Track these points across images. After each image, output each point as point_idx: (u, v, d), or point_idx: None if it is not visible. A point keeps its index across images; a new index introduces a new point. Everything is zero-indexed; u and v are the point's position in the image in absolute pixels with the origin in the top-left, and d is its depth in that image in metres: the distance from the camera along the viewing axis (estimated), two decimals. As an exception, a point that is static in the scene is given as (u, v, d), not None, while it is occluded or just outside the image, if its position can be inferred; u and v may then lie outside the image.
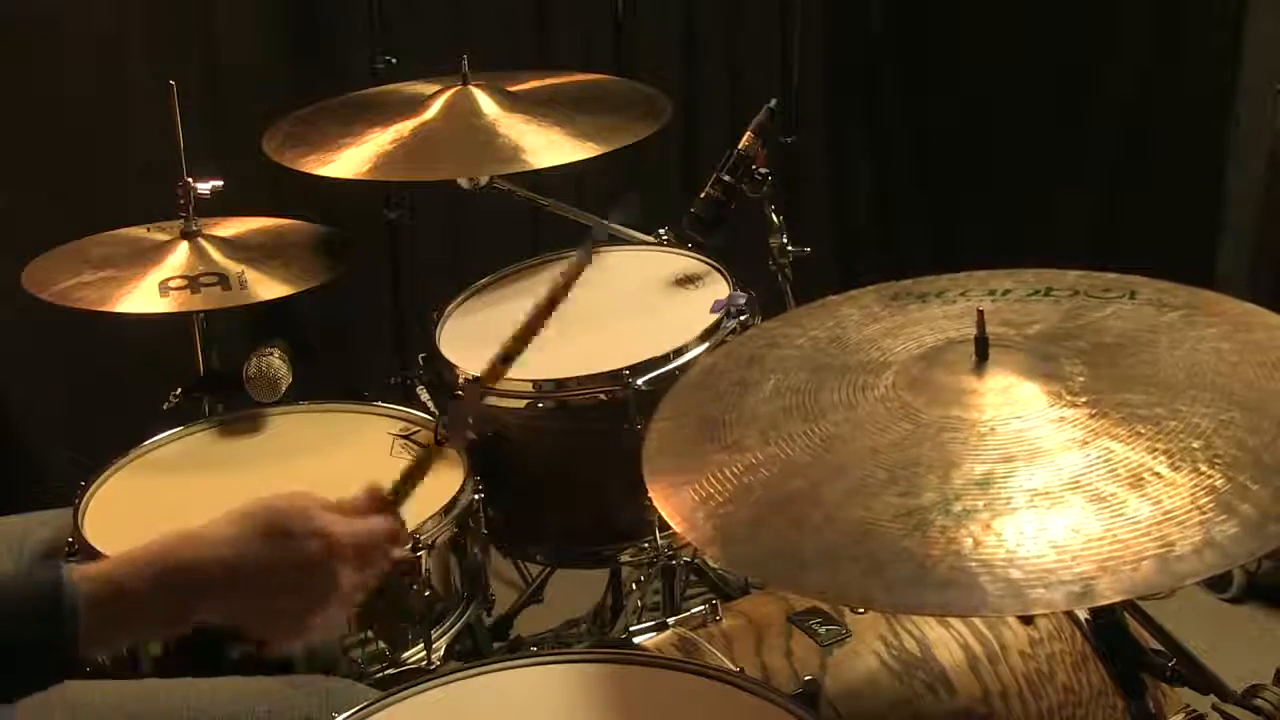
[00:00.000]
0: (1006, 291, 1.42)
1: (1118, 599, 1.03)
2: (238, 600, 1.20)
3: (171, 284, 2.08)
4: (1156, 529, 1.05)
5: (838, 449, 1.21)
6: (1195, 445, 1.12)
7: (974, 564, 1.06)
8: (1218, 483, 1.08)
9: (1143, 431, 1.15)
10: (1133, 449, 1.13)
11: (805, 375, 1.33)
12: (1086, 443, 1.14)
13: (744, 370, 1.38)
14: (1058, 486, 1.11)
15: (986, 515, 1.09)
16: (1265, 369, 1.23)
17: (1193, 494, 1.08)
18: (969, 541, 1.07)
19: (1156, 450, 1.12)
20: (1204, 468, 1.10)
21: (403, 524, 1.32)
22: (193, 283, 2.08)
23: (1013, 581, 1.04)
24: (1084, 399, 1.19)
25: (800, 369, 1.35)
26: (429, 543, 1.78)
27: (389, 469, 1.89)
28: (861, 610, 1.56)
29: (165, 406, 2.18)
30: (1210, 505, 1.07)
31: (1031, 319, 1.35)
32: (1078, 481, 1.11)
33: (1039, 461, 1.13)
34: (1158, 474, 1.10)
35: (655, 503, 1.24)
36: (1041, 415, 1.18)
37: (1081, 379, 1.22)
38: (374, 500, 1.31)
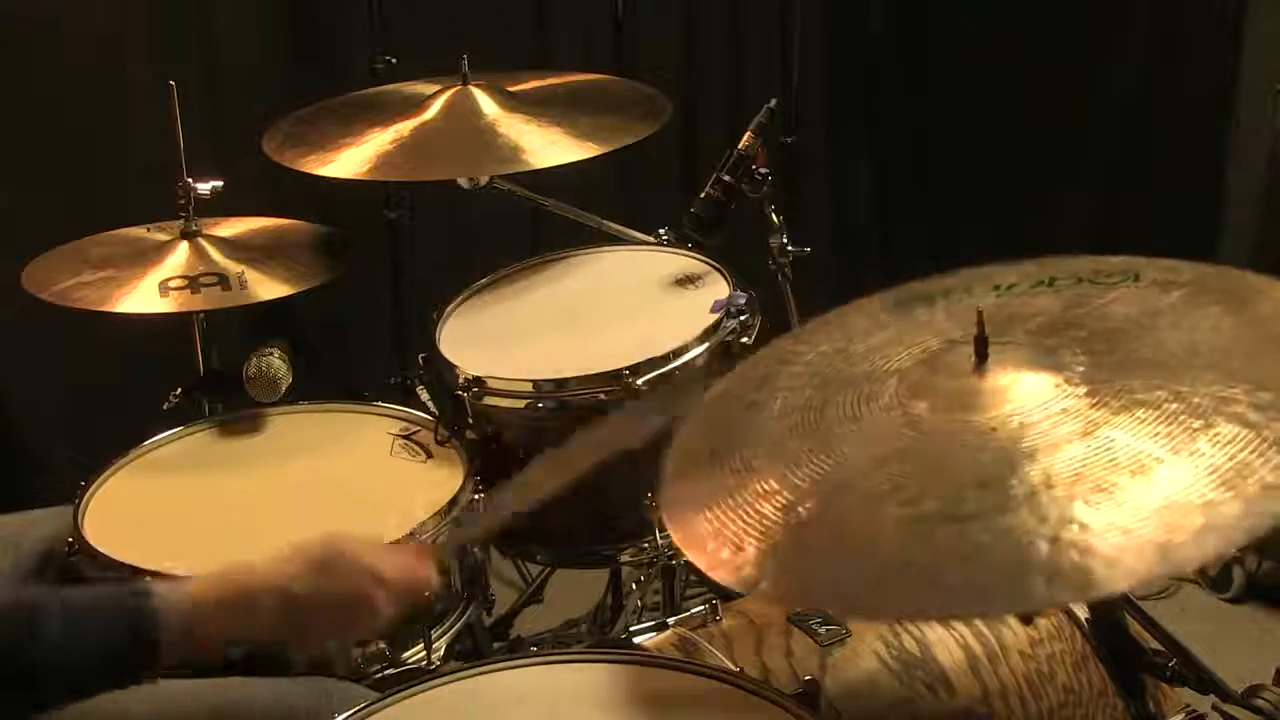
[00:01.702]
0: (1011, 286, 1.40)
1: (1124, 587, 1.03)
2: (289, 622, 1.34)
3: (171, 284, 2.08)
4: (1158, 515, 1.05)
5: (845, 464, 1.21)
6: (1196, 426, 1.12)
7: (984, 565, 1.05)
8: (1219, 461, 1.08)
9: (1144, 417, 1.14)
10: (1135, 436, 1.12)
11: (811, 392, 1.33)
12: (1088, 433, 1.14)
13: (754, 392, 1.38)
14: (1061, 480, 1.10)
15: (993, 515, 1.09)
16: (1268, 343, 1.22)
17: (1194, 475, 1.07)
18: (978, 543, 1.07)
19: (1158, 435, 1.12)
20: (1206, 448, 1.09)
21: (441, 578, 1.52)
22: (193, 283, 2.08)
23: (1023, 579, 1.04)
24: (1085, 389, 1.19)
25: (806, 386, 1.34)
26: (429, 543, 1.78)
27: (389, 469, 1.93)
28: (862, 610, 1.55)
29: (165, 406, 2.17)
30: (1212, 486, 1.06)
31: (1034, 312, 1.33)
32: (1080, 473, 1.10)
33: (1043, 457, 1.13)
34: (1159, 459, 1.10)
35: (673, 537, 1.26)
36: (1043, 410, 1.17)
37: (1082, 369, 1.21)
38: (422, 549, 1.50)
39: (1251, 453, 1.08)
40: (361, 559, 1.35)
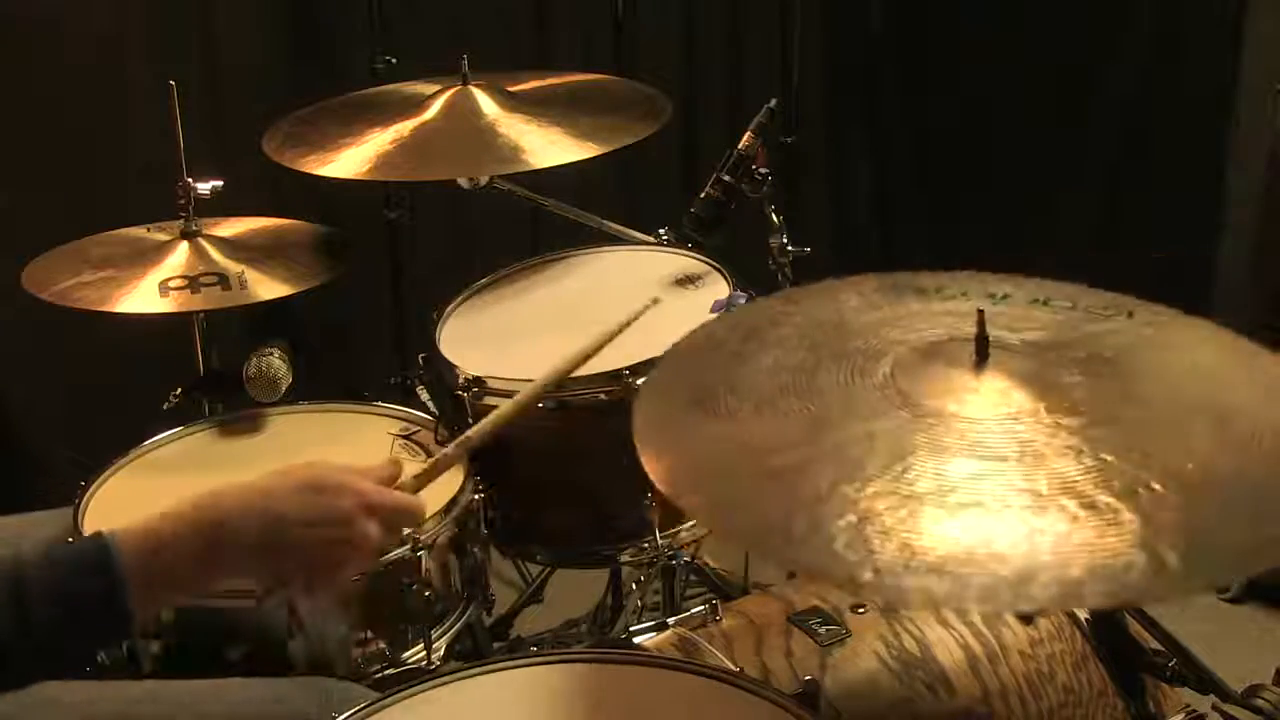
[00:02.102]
0: (1006, 296, 1.41)
1: (1102, 605, 1.03)
2: (268, 548, 1.26)
3: (171, 284, 2.08)
4: (1144, 541, 1.05)
5: (831, 430, 1.21)
6: (1189, 466, 1.13)
7: (961, 556, 1.06)
8: (1205, 502, 1.09)
9: (1136, 446, 1.15)
10: (1126, 462, 1.13)
11: (803, 354, 1.33)
12: (1081, 451, 1.14)
13: (742, 343, 1.38)
14: (1051, 490, 1.10)
15: (977, 511, 1.09)
16: (1259, 392, 1.24)
17: (1185, 513, 1.08)
18: (957, 533, 1.07)
19: (1150, 466, 1.13)
20: (1195, 492, 1.10)
21: (421, 505, 1.39)
22: (193, 283, 2.08)
23: (998, 577, 1.04)
24: (1081, 408, 1.19)
25: (799, 348, 1.35)
26: (429, 543, 1.78)
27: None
28: (862, 609, 1.56)
29: (165, 406, 2.17)
30: (1197, 523, 1.07)
31: (1031, 325, 1.35)
32: (1070, 488, 1.11)
33: (1032, 465, 1.13)
34: (1151, 488, 1.10)
35: (644, 465, 1.23)
36: (1038, 420, 1.18)
37: (1079, 389, 1.22)
38: (397, 477, 1.38)
39: (1237, 496, 1.09)
40: (349, 481, 1.29)
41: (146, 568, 1.21)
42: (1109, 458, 1.14)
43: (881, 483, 1.13)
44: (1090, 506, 1.09)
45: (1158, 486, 1.11)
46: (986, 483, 1.12)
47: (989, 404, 1.20)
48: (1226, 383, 1.29)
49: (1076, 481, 1.11)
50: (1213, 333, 1.37)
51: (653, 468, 1.21)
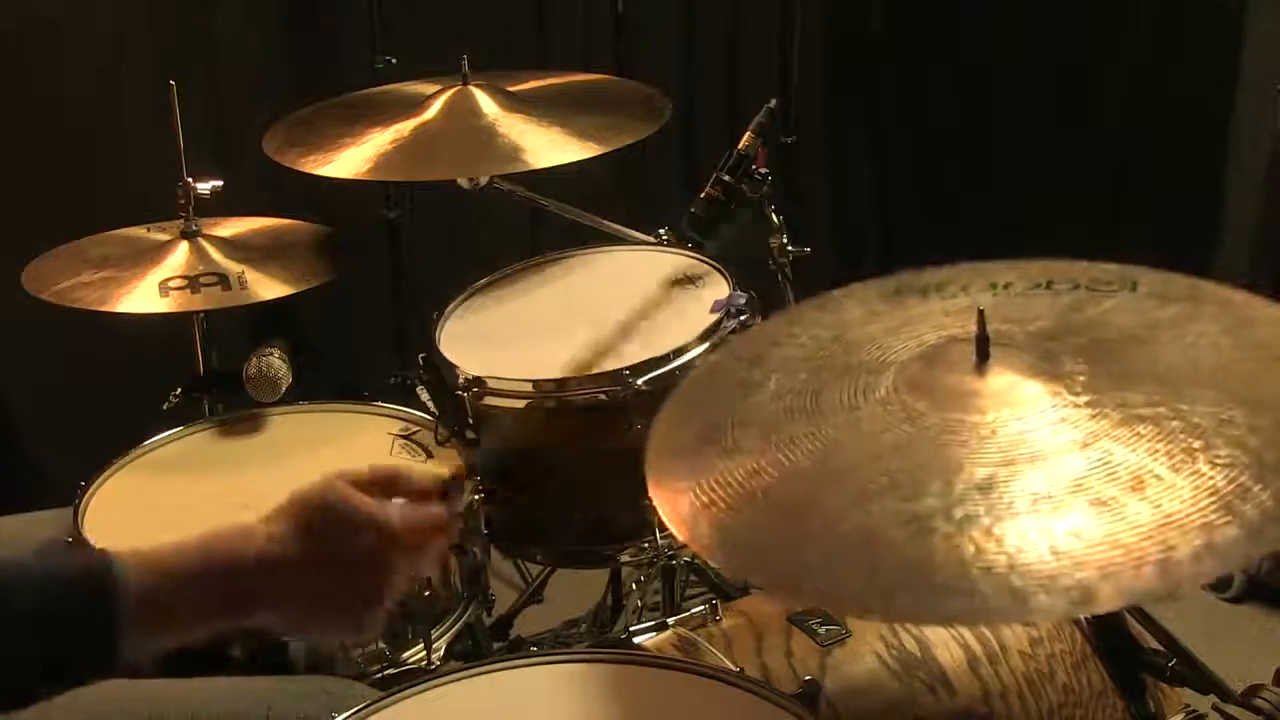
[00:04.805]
0: (1008, 285, 1.39)
1: (1117, 605, 1.02)
2: (288, 599, 1.17)
3: (171, 284, 2.08)
4: (1157, 533, 1.04)
5: (839, 453, 1.20)
6: (1196, 445, 1.11)
7: (975, 571, 1.04)
8: (1218, 483, 1.07)
9: (1143, 432, 1.13)
10: (1133, 450, 1.11)
11: (806, 376, 1.31)
12: (1087, 444, 1.13)
13: (747, 370, 1.37)
14: (1058, 490, 1.09)
15: (987, 521, 1.08)
16: (1266, 364, 1.21)
17: (1194, 496, 1.06)
18: (970, 548, 1.06)
19: (1157, 451, 1.11)
20: (1205, 469, 1.08)
21: (458, 513, 1.29)
22: (193, 283, 2.08)
23: (1013, 589, 1.03)
24: (1085, 399, 1.18)
25: (802, 369, 1.33)
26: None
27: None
28: (861, 611, 1.56)
29: (165, 406, 2.18)
30: (1211, 508, 1.05)
31: (1032, 314, 1.32)
32: (1078, 485, 1.09)
33: (1040, 464, 1.12)
34: (1158, 476, 1.09)
35: (657, 506, 1.22)
36: (1042, 416, 1.16)
37: (1082, 378, 1.20)
38: (431, 487, 1.27)
39: (1250, 477, 1.07)
40: (360, 511, 1.18)
41: (147, 603, 1.10)
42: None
43: (890, 504, 1.11)
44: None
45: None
46: (995, 491, 1.10)
47: (994, 406, 1.19)
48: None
49: (1084, 476, 1.10)
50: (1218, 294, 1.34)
51: (666, 510, 1.20)
